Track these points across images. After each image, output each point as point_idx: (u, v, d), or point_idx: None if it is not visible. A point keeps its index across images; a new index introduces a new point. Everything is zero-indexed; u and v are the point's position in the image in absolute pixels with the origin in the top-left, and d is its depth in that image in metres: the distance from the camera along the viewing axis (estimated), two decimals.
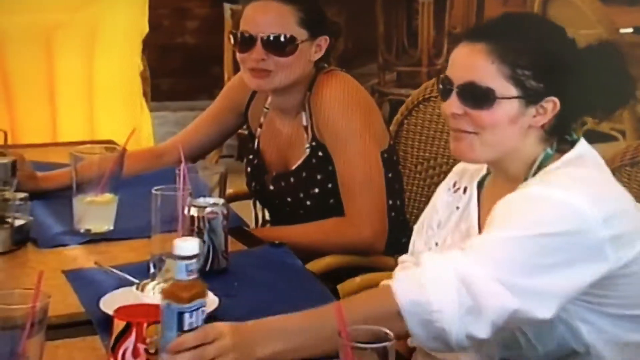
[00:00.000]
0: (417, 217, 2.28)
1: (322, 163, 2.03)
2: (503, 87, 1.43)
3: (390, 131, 2.21)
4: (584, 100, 1.46)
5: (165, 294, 1.22)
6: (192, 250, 1.22)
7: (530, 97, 1.44)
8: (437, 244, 1.58)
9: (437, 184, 2.25)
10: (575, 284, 1.37)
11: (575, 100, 1.46)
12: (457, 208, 1.58)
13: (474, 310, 1.32)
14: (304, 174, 2.05)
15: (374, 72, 5.34)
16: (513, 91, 1.43)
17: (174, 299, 1.20)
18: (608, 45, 1.50)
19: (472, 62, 1.45)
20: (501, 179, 1.52)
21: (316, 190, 2.04)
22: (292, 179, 2.07)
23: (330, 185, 2.03)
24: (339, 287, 1.85)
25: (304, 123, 2.06)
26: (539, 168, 1.46)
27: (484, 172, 1.58)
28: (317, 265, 1.89)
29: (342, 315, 1.17)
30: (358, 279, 1.88)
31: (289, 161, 2.10)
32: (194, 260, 1.22)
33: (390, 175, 2.06)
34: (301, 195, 2.06)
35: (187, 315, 1.21)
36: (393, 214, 2.06)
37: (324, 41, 2.03)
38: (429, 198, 2.27)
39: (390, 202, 2.04)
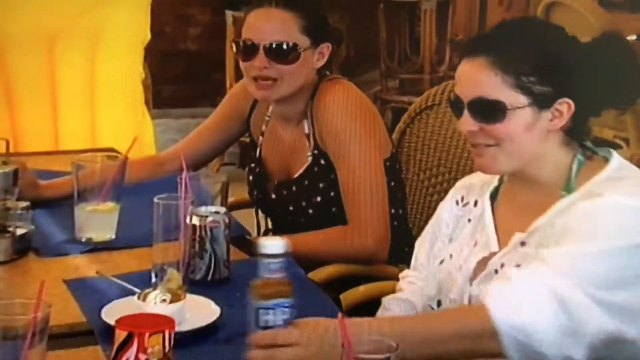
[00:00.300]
0: (419, 225, 2.30)
1: (325, 171, 2.03)
2: (511, 97, 1.43)
3: (393, 139, 2.20)
4: (597, 96, 1.45)
5: (251, 289, 1.28)
6: (273, 249, 1.27)
7: (541, 102, 1.43)
8: (451, 256, 1.57)
9: (439, 193, 2.27)
10: None
11: (588, 98, 1.45)
12: (469, 220, 1.57)
13: (572, 332, 1.31)
14: (306, 182, 2.05)
15: (376, 79, 5.34)
16: (522, 99, 1.43)
17: (254, 295, 1.27)
18: (612, 36, 1.48)
19: (476, 78, 1.44)
20: (527, 188, 1.50)
21: (318, 198, 2.04)
22: (294, 187, 2.07)
23: (332, 194, 2.02)
24: (341, 296, 1.84)
25: (306, 131, 2.06)
26: (577, 176, 1.45)
27: (496, 183, 1.57)
28: (319, 274, 1.89)
29: (345, 326, 1.16)
30: (362, 288, 1.87)
31: (291, 169, 2.09)
32: (275, 260, 1.27)
33: (392, 183, 2.05)
34: (303, 203, 2.05)
35: (262, 312, 1.26)
36: (395, 222, 2.06)
37: (326, 48, 2.03)
38: (431, 206, 2.28)
39: (393, 210, 2.03)
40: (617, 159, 1.47)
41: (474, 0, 5.49)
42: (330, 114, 2.00)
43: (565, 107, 1.44)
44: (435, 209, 2.26)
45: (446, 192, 2.23)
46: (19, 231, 1.75)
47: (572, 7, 3.85)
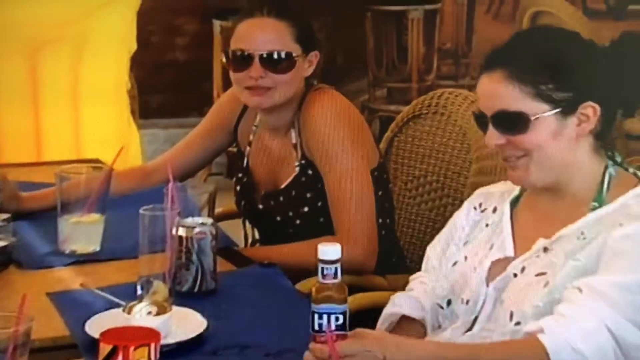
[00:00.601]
0: (407, 235, 2.30)
1: (312, 181, 2.02)
2: (533, 106, 1.43)
3: (380, 148, 2.20)
4: (620, 96, 1.46)
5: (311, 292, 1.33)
6: (327, 254, 1.31)
7: (564, 109, 1.44)
8: (466, 258, 1.56)
9: (427, 202, 2.26)
10: None
11: (612, 100, 1.45)
12: (487, 225, 1.57)
13: None
14: (293, 193, 2.04)
15: (364, 88, 5.35)
16: (545, 107, 1.43)
17: (311, 298, 1.32)
18: (631, 36, 1.49)
19: (495, 92, 1.45)
20: (556, 196, 1.49)
21: (306, 209, 2.03)
22: (281, 198, 2.06)
23: (320, 204, 2.01)
24: None
25: (294, 141, 2.05)
26: (609, 188, 1.45)
27: (517, 192, 1.57)
28: (307, 285, 1.87)
29: (334, 344, 1.16)
30: (349, 299, 1.85)
31: (278, 179, 2.08)
32: (329, 265, 1.31)
33: (380, 193, 2.05)
34: (291, 214, 2.04)
35: (316, 316, 1.31)
36: (383, 232, 2.05)
37: (314, 56, 2.03)
38: (419, 215, 2.27)
39: (380, 220, 2.03)
40: None
41: (461, 9, 5.51)
42: (317, 123, 1.99)
43: (590, 110, 1.44)
44: (423, 218, 2.27)
45: (434, 201, 2.25)
46: (0, 243, 1.73)
47: (557, 15, 3.90)
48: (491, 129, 1.46)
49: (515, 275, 1.47)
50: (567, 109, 1.44)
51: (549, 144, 1.44)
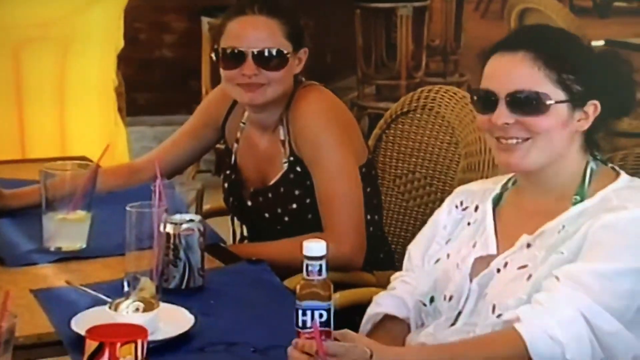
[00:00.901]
0: (395, 231, 2.29)
1: (300, 178, 2.01)
2: (553, 92, 1.45)
3: (369, 145, 2.20)
4: (612, 101, 1.48)
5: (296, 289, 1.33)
6: (312, 251, 1.31)
7: (577, 101, 1.46)
8: (448, 256, 1.57)
9: (415, 198, 2.26)
10: None
11: (607, 102, 1.48)
12: (469, 224, 1.58)
13: (604, 358, 1.33)
14: (281, 190, 2.03)
15: (352, 85, 5.35)
16: (562, 95, 1.45)
17: (296, 295, 1.31)
18: (613, 50, 1.56)
19: (516, 71, 1.46)
20: (538, 190, 1.51)
21: (294, 205, 2.02)
22: (270, 195, 2.05)
23: (308, 201, 2.01)
24: None
25: (282, 138, 2.04)
26: (590, 183, 1.47)
27: (498, 190, 1.58)
28: (295, 282, 1.86)
29: (320, 339, 1.15)
30: (337, 295, 1.85)
31: (266, 176, 2.07)
32: (314, 262, 1.30)
33: (368, 189, 2.04)
34: (279, 210, 2.04)
35: (300, 312, 1.30)
36: (371, 228, 2.04)
37: (303, 53, 2.03)
38: (407, 212, 2.27)
39: (369, 216, 2.02)
40: (624, 173, 1.50)
41: (450, 7, 5.51)
42: (306, 120, 1.99)
43: (592, 108, 1.47)
44: (411, 214, 2.27)
45: (422, 197, 2.25)
46: None
47: (545, 12, 3.92)
48: (502, 107, 1.46)
49: (498, 270, 1.48)
50: (578, 102, 1.46)
51: (556, 131, 1.45)
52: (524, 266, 1.44)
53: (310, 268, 1.31)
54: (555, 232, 1.44)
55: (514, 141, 1.46)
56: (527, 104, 1.45)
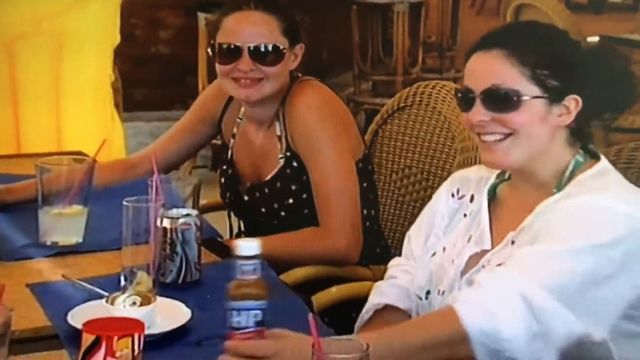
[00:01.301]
0: (392, 226, 2.30)
1: (297, 173, 2.02)
2: (527, 88, 1.45)
3: (365, 140, 2.20)
4: (600, 96, 1.48)
5: (225, 290, 1.29)
6: (246, 250, 1.27)
7: (553, 96, 1.46)
8: (444, 249, 1.57)
9: (411, 193, 2.27)
10: (625, 297, 1.37)
11: (593, 97, 1.47)
12: (465, 215, 1.58)
13: (542, 337, 1.32)
14: (278, 185, 2.04)
15: (349, 81, 5.35)
16: (536, 91, 1.45)
17: (227, 296, 1.27)
18: (607, 46, 1.52)
19: (491, 68, 1.46)
20: (526, 186, 1.51)
21: (290, 200, 2.02)
22: (266, 190, 2.05)
23: (304, 196, 2.01)
24: (313, 298, 1.83)
25: (278, 133, 2.05)
26: (571, 176, 1.47)
27: (493, 180, 1.57)
28: (291, 276, 1.87)
29: (315, 327, 1.15)
30: (334, 290, 1.86)
31: (263, 172, 2.08)
32: (247, 261, 1.27)
33: (364, 184, 2.05)
34: (275, 205, 2.04)
35: (234, 313, 1.26)
36: (367, 223, 2.05)
37: (299, 49, 2.03)
38: (404, 207, 2.28)
39: (365, 211, 2.03)
40: (603, 163, 1.49)
41: (446, 3, 5.52)
42: (302, 115, 1.99)
43: (573, 103, 1.46)
44: (407, 209, 2.27)
45: (418, 192, 2.25)
46: None
47: (540, 8, 3.93)
48: (478, 105, 1.47)
49: (484, 267, 1.48)
50: (555, 97, 1.46)
51: (535, 127, 1.45)
52: (501, 264, 1.43)
53: (244, 268, 1.27)
54: (532, 227, 1.44)
55: (494, 138, 1.47)
56: (501, 100, 1.45)
